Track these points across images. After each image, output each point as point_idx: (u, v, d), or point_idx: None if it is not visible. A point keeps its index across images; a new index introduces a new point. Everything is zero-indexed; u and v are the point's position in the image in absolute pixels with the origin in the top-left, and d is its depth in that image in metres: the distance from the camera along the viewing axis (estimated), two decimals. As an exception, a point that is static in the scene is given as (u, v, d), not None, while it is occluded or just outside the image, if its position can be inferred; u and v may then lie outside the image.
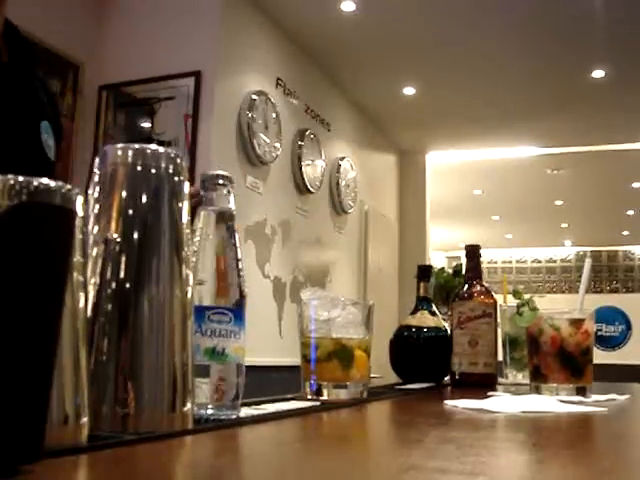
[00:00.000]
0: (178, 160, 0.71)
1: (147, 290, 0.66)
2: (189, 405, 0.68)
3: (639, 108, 6.14)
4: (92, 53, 4.27)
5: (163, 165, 0.69)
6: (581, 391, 1.29)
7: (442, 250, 12.16)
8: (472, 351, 1.60)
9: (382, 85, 5.86)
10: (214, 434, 0.71)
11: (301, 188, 5.10)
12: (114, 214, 0.67)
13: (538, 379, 1.34)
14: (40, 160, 1.25)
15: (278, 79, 4.86)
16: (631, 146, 7.19)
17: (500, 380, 1.71)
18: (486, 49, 5.15)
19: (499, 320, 1.70)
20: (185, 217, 0.70)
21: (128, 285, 0.65)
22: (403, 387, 1.56)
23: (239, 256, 0.85)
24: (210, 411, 0.79)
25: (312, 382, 1.12)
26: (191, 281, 0.70)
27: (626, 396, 1.28)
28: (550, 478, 0.54)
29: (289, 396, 1.13)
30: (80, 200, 0.55)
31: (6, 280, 0.43)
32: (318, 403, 1.06)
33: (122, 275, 0.65)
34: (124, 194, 0.67)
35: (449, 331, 1.66)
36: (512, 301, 1.76)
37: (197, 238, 0.83)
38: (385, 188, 7.17)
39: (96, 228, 0.67)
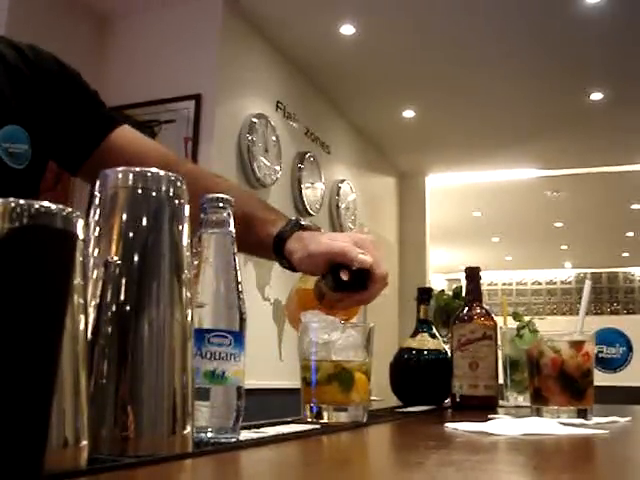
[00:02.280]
0: (178, 183, 0.71)
1: (147, 313, 0.66)
2: (189, 428, 0.68)
3: (637, 130, 6.16)
4: (94, 76, 4.28)
5: (163, 188, 0.69)
6: (582, 413, 1.28)
7: (442, 272, 12.14)
8: (472, 374, 1.59)
9: (381, 108, 5.89)
10: (214, 457, 0.71)
11: (301, 211, 5.11)
12: (114, 237, 0.67)
13: (539, 401, 1.33)
14: None
15: (278, 102, 4.89)
16: (630, 168, 7.21)
17: (501, 403, 1.70)
18: (485, 72, 5.19)
19: (499, 342, 1.70)
20: (185, 240, 0.71)
21: (128, 308, 0.65)
22: (403, 410, 1.56)
23: (239, 279, 0.85)
24: (210, 434, 0.79)
25: (312, 405, 1.11)
26: (191, 304, 0.70)
27: (627, 418, 1.27)
28: (551, 501, 0.53)
29: (289, 419, 1.12)
30: (81, 223, 0.55)
31: (7, 303, 0.43)
32: (318, 426, 1.05)
33: (122, 298, 0.65)
34: (124, 217, 0.67)
35: (449, 353, 1.66)
36: (512, 323, 1.76)
37: (197, 261, 0.83)
38: (385, 210, 7.18)
39: (96, 251, 0.67)
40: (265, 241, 1.23)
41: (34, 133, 1.20)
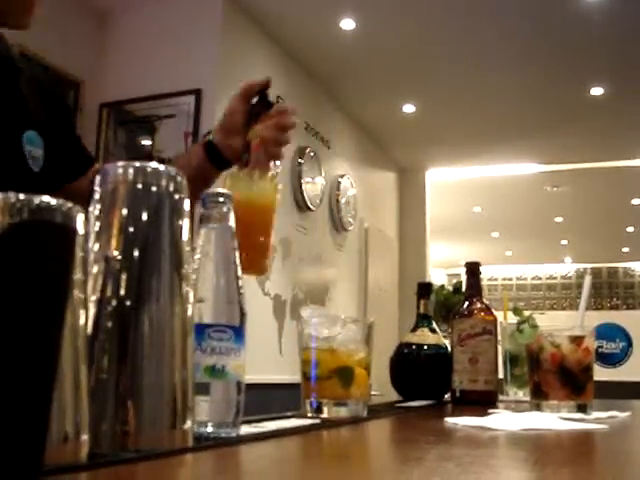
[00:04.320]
0: (178, 178, 0.71)
1: (147, 308, 0.66)
2: (189, 423, 0.68)
3: (638, 125, 6.16)
4: (93, 71, 4.29)
5: (163, 183, 0.69)
6: (582, 408, 1.29)
7: (442, 267, 12.15)
8: (472, 368, 1.59)
9: (382, 102, 5.89)
10: (214, 452, 0.71)
11: (301, 205, 5.11)
12: (115, 232, 0.67)
13: (539, 396, 1.34)
14: (20, 173, 1.22)
15: (278, 97, 4.87)
16: (630, 163, 7.21)
17: (501, 397, 1.70)
18: (485, 67, 5.18)
19: (499, 337, 1.70)
20: (185, 235, 0.71)
21: (128, 303, 0.65)
22: (403, 405, 1.56)
23: (239, 274, 0.85)
24: (210, 429, 0.79)
25: (312, 400, 1.12)
26: (191, 299, 0.70)
27: (627, 413, 1.27)
28: (551, 496, 0.53)
29: (289, 414, 1.12)
30: (81, 218, 0.55)
31: (7, 298, 0.43)
32: (318, 421, 1.05)
33: (122, 293, 0.65)
34: (125, 212, 0.67)
35: (449, 348, 1.66)
36: (512, 318, 1.76)
37: (197, 256, 0.83)
38: (385, 205, 7.18)
39: (97, 246, 0.67)
40: (200, 159, 1.39)
41: (46, 140, 1.30)
